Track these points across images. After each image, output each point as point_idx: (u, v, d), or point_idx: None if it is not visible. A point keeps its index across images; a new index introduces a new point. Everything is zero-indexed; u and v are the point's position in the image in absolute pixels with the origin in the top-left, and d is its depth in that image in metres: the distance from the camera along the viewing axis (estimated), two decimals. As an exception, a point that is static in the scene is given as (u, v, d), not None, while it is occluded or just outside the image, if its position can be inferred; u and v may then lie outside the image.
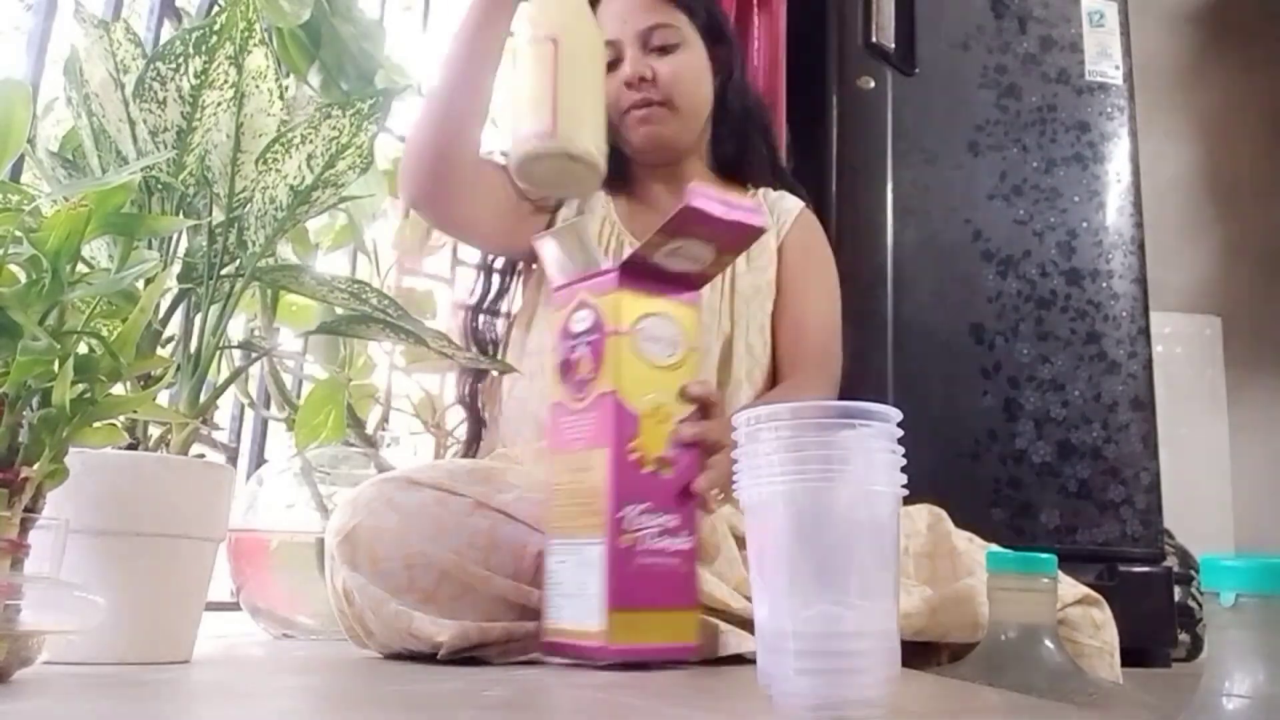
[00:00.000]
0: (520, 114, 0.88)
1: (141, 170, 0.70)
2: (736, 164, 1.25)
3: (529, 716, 0.51)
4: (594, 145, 0.89)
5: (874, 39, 1.74)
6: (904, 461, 0.53)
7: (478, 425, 1.24)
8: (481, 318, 1.24)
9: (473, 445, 1.24)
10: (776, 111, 1.65)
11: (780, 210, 1.23)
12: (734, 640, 0.80)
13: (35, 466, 0.57)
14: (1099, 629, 0.91)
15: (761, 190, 1.24)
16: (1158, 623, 1.65)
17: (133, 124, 0.73)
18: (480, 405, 1.24)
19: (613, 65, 1.15)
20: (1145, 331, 1.75)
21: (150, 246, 0.74)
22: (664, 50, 1.15)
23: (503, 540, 0.81)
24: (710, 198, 0.74)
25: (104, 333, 0.67)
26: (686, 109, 1.16)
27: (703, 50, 1.18)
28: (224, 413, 1.41)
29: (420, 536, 0.79)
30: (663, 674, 0.72)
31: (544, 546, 0.78)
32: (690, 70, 1.17)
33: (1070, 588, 0.91)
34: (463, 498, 0.82)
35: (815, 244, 1.25)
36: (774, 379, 1.16)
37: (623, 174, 1.19)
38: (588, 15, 0.93)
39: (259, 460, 1.44)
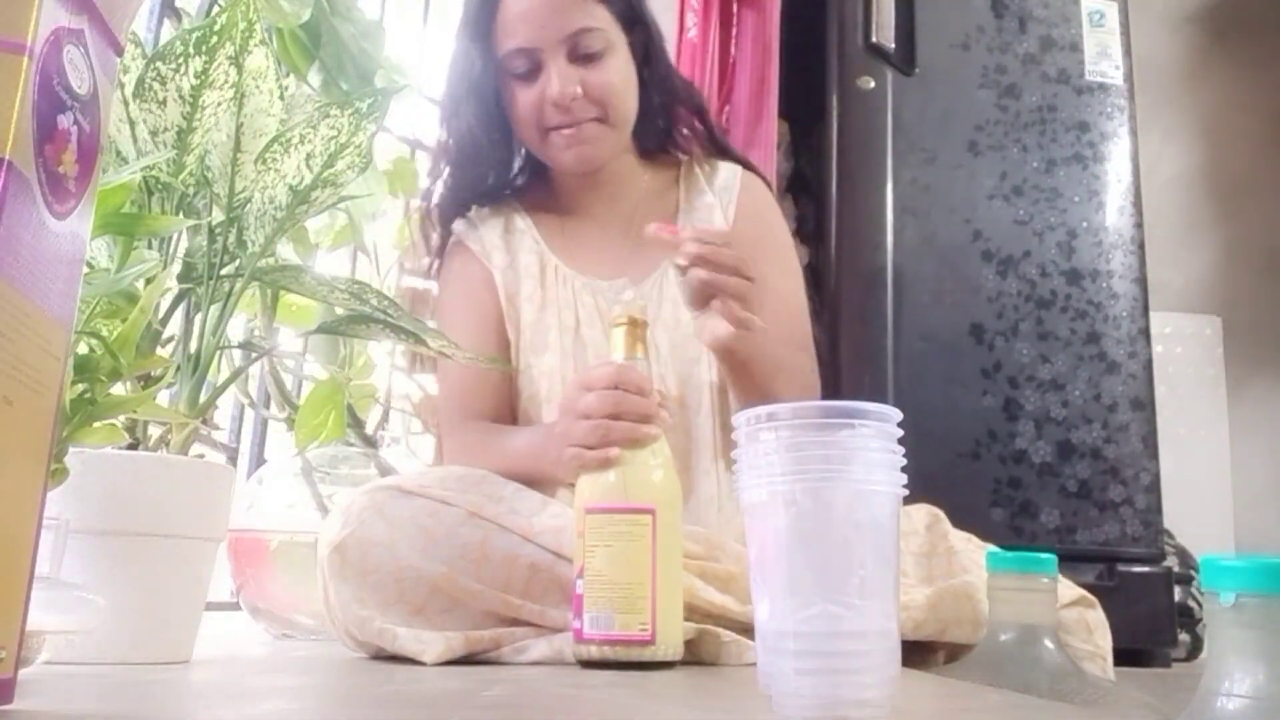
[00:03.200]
0: (600, 591, 0.73)
1: (141, 170, 0.70)
2: (663, 143, 1.17)
3: (529, 716, 0.51)
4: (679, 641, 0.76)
5: (874, 39, 1.74)
6: (904, 462, 0.53)
7: None
8: None
9: None
10: (769, 109, 1.65)
11: (719, 185, 1.15)
12: (736, 650, 0.80)
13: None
14: (1092, 633, 0.91)
15: (693, 161, 1.17)
16: (1158, 623, 1.66)
17: (133, 124, 0.73)
18: None
19: (529, 76, 1.04)
20: (1145, 331, 1.75)
21: (150, 246, 0.74)
22: (590, 59, 1.04)
23: (494, 552, 0.81)
24: None
25: (104, 333, 0.67)
26: (620, 121, 1.07)
27: (625, 45, 1.08)
28: (224, 413, 1.41)
29: (411, 549, 0.79)
30: (663, 674, 0.72)
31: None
32: (621, 78, 1.06)
33: (1066, 589, 0.91)
34: (454, 508, 0.82)
35: (765, 211, 1.15)
36: None
37: (540, 182, 1.15)
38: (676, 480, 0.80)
39: (259, 460, 1.44)
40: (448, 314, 1.13)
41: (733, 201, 1.14)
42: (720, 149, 1.19)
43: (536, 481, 0.91)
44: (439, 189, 1.15)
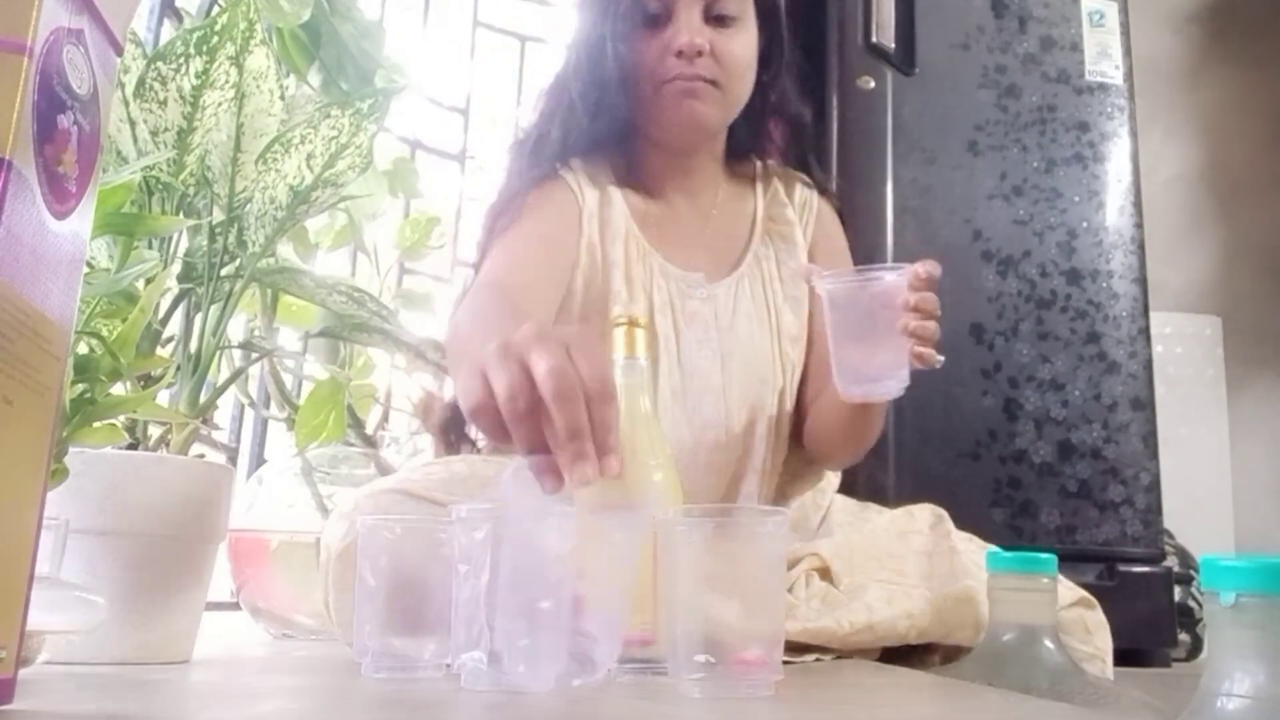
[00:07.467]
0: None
1: (141, 170, 0.70)
2: (751, 148, 1.14)
3: (529, 717, 0.51)
4: None
5: (874, 39, 1.74)
6: None
7: (450, 448, 1.10)
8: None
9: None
10: (803, 124, 1.63)
11: (798, 201, 1.13)
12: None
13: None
14: (1091, 634, 0.91)
15: (770, 171, 1.15)
16: (1158, 623, 1.65)
17: (133, 124, 0.73)
18: (459, 434, 1.10)
19: (657, 23, 1.01)
20: (1145, 331, 1.75)
21: (150, 246, 0.74)
22: (723, 22, 1.01)
23: None
24: None
25: (104, 333, 0.67)
26: (734, 95, 1.04)
27: (755, 29, 1.05)
28: (224, 413, 1.41)
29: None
30: (662, 674, 0.72)
31: None
32: (748, 52, 1.03)
33: (1066, 590, 0.91)
34: None
35: (837, 235, 1.14)
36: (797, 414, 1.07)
37: (631, 165, 1.09)
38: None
39: (259, 460, 1.44)
40: (523, 227, 1.01)
41: (812, 221, 1.12)
42: (804, 166, 1.16)
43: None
44: (554, 129, 1.07)
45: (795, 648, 0.85)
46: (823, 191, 1.16)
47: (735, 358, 1.03)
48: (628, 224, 1.05)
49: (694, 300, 1.04)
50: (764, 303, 1.06)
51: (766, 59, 1.08)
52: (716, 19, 1.01)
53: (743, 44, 1.03)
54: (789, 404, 1.05)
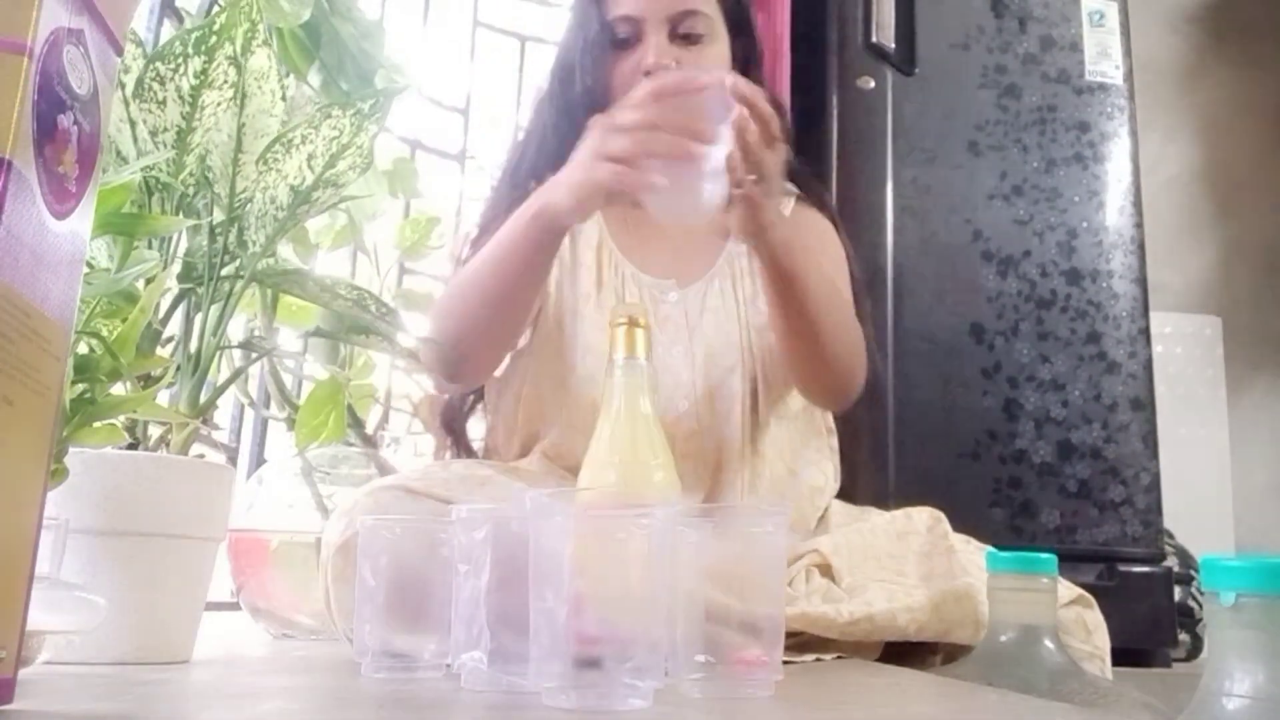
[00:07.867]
0: None
1: (141, 170, 0.70)
2: None
3: (529, 716, 0.51)
4: None
5: (874, 39, 1.75)
6: None
7: (456, 445, 1.15)
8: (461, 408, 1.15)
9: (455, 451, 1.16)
10: (781, 113, 1.64)
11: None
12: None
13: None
14: (1090, 633, 0.91)
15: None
16: (1158, 623, 1.66)
17: (132, 124, 0.73)
18: (462, 427, 1.15)
19: (629, 45, 1.04)
20: (1145, 331, 1.75)
21: (150, 246, 0.74)
22: (689, 40, 1.05)
23: None
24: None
25: (104, 333, 0.67)
26: None
27: (727, 43, 1.09)
28: (224, 413, 1.41)
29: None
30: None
31: None
32: (719, 66, 1.06)
33: (1064, 588, 0.91)
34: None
35: (819, 224, 1.16)
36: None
37: None
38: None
39: (259, 460, 1.44)
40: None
41: (790, 208, 1.13)
42: (790, 174, 1.14)
43: (548, 230, 0.89)
44: (530, 151, 1.11)
45: (795, 647, 0.85)
46: (807, 196, 1.16)
47: (702, 353, 1.05)
48: (601, 232, 1.09)
49: (665, 305, 1.06)
50: (733, 298, 1.08)
51: (743, 69, 1.10)
52: (684, 38, 1.04)
53: (712, 58, 1.06)
54: (762, 389, 1.06)
